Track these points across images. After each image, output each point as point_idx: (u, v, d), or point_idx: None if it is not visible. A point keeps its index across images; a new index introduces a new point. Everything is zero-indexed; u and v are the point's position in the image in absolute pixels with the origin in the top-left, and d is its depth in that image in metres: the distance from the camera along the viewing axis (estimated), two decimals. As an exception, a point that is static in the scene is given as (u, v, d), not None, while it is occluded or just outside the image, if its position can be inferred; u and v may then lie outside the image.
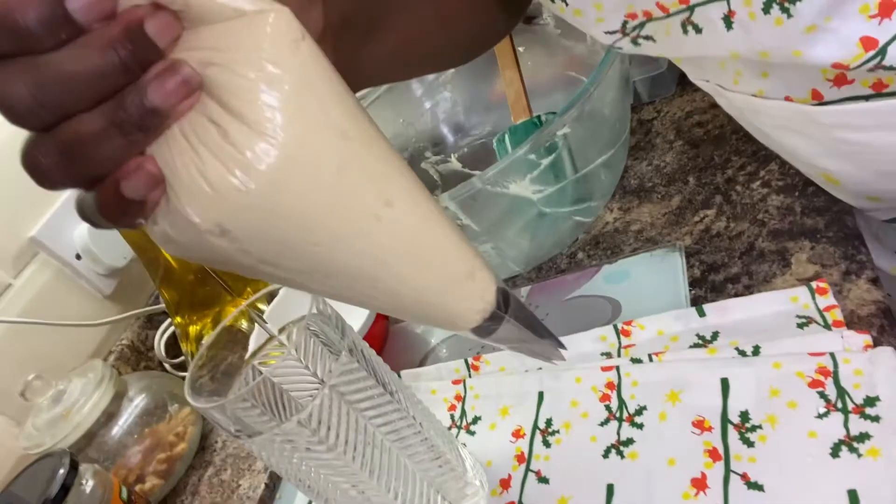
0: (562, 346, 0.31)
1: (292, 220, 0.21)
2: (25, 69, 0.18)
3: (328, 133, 0.21)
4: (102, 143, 0.19)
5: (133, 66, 0.19)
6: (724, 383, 0.36)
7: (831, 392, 0.33)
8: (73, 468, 0.48)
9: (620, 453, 0.37)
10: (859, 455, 0.30)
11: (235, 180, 0.19)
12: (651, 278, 0.47)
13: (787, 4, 0.27)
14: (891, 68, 0.27)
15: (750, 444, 0.33)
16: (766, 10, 0.27)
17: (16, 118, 0.19)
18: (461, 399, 0.47)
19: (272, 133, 0.19)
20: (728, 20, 0.29)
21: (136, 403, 0.61)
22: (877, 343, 0.34)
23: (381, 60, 0.37)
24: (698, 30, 0.31)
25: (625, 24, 0.34)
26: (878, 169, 0.34)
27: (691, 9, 0.30)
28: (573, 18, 0.36)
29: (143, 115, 0.19)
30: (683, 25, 0.31)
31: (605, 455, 0.37)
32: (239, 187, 0.19)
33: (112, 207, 0.20)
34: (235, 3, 0.19)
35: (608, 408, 0.39)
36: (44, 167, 0.19)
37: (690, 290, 0.44)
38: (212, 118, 0.19)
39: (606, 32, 0.35)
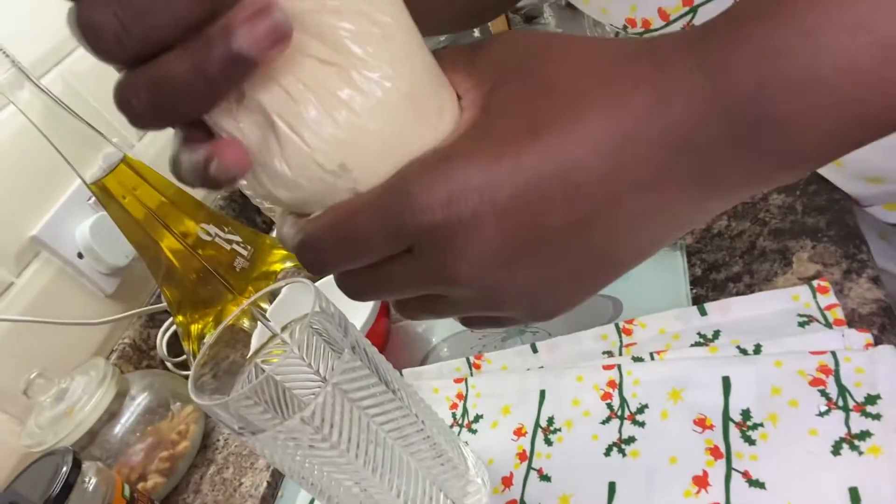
0: None
1: (402, 160, 0.22)
2: None
3: (430, 77, 0.22)
4: (188, 87, 0.19)
5: None
6: (726, 381, 0.36)
7: (832, 390, 0.33)
8: (76, 466, 0.48)
9: (622, 451, 0.37)
10: (860, 453, 0.30)
11: (361, 120, 0.20)
12: (652, 277, 0.47)
13: None
14: None
15: (751, 442, 0.33)
16: None
17: (101, 45, 0.18)
18: (463, 397, 0.47)
19: (392, 76, 0.20)
20: None
21: (139, 402, 0.61)
22: (878, 341, 0.34)
23: None
24: None
25: (625, 27, 0.34)
26: (886, 143, 0.33)
27: (694, 10, 0.30)
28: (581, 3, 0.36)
29: (229, 61, 0.18)
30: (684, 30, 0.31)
31: (607, 453, 0.38)
32: (364, 126, 0.20)
33: (204, 173, 0.20)
34: None
35: (610, 406, 0.40)
36: (135, 108, 0.19)
37: (692, 289, 0.44)
38: (329, 61, 0.20)
39: (612, 25, 0.35)
